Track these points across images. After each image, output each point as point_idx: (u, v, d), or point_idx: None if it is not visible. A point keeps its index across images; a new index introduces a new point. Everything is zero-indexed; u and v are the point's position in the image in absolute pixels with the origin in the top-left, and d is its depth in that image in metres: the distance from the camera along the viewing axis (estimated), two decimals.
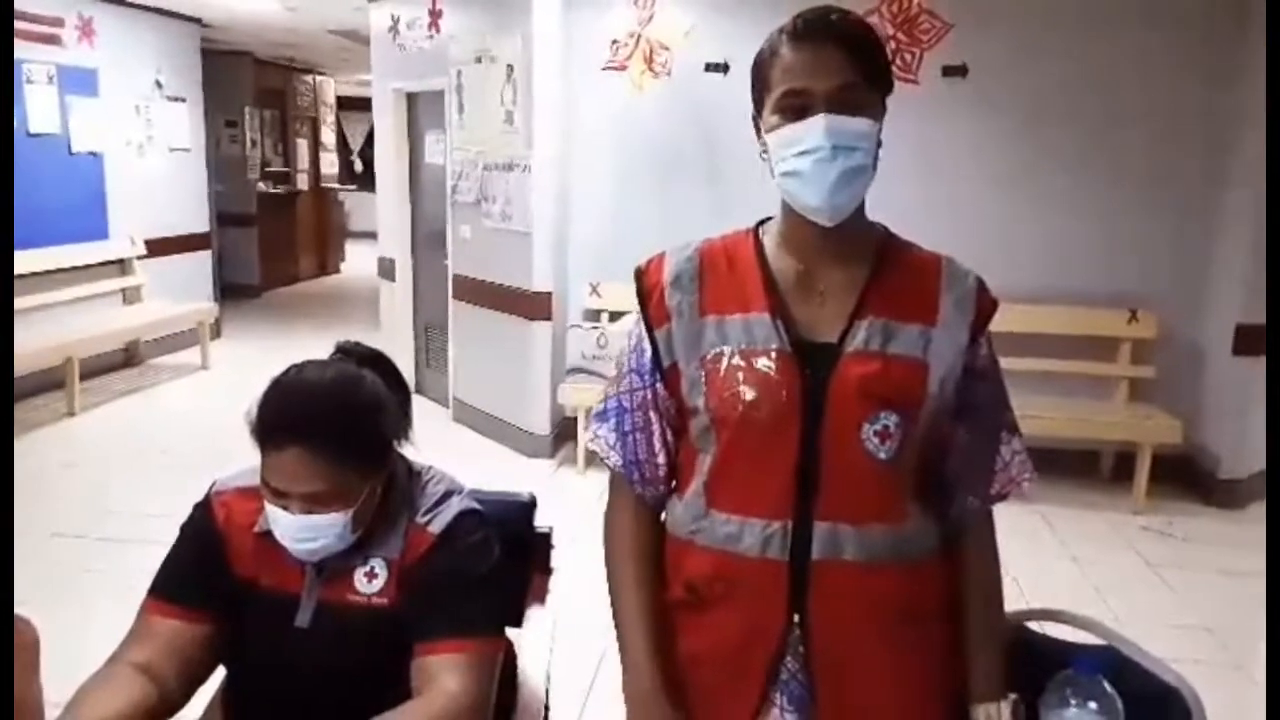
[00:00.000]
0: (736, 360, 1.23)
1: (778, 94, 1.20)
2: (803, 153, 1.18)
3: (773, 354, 1.22)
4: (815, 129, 1.17)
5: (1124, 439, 4.79)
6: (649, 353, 1.30)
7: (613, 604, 1.36)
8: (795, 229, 1.27)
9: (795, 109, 1.19)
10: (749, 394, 1.21)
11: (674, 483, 1.36)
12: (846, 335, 1.22)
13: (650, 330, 1.30)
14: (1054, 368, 4.75)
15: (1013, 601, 1.41)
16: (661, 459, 1.34)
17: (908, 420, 1.21)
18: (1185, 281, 4.83)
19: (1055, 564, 4.01)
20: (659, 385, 1.30)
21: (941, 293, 1.26)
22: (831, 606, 1.23)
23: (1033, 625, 1.51)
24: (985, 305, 1.28)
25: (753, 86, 1.26)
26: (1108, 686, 1.27)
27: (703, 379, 1.25)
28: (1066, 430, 4.60)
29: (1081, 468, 4.94)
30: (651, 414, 1.32)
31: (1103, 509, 4.64)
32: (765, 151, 1.25)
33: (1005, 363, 1.35)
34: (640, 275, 1.33)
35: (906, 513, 1.25)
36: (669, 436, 1.33)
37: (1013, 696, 1.30)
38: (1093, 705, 1.26)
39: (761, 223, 1.34)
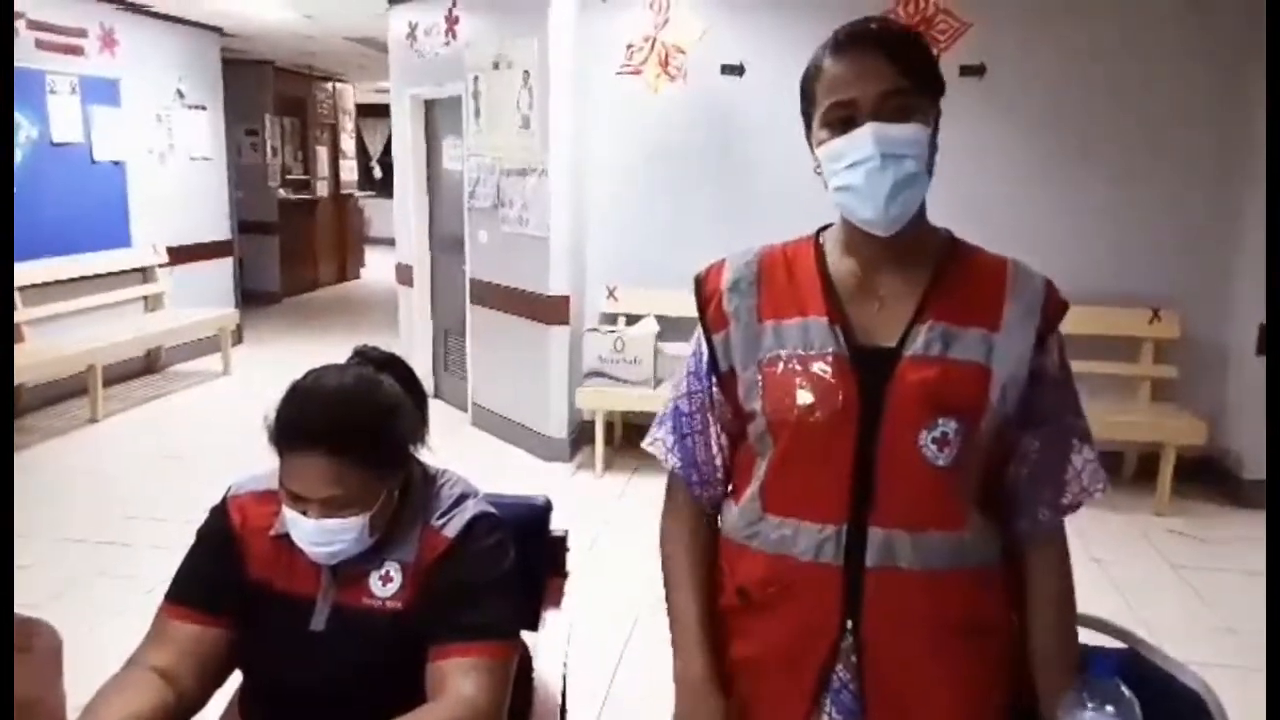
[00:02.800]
0: (794, 365, 1.23)
1: (824, 107, 1.20)
2: (853, 164, 1.17)
3: (829, 358, 1.21)
4: (863, 139, 1.16)
5: (1147, 440, 4.73)
6: (706, 357, 1.31)
7: (668, 601, 1.37)
8: (854, 236, 1.26)
9: (842, 121, 1.18)
10: (805, 398, 1.21)
11: (730, 487, 1.36)
12: (905, 340, 1.21)
13: (709, 335, 1.31)
14: (1075, 368, 4.67)
15: None
16: (718, 461, 1.34)
17: (968, 427, 1.19)
18: (1208, 281, 4.78)
19: (1077, 566, 3.87)
20: (715, 389, 1.31)
21: (1006, 297, 1.24)
22: (885, 615, 1.22)
23: None
24: (1054, 308, 1.26)
25: (801, 103, 1.26)
26: (1126, 690, 1.25)
27: (760, 383, 1.25)
28: None
29: (1104, 469, 4.88)
30: (709, 417, 1.33)
31: (1126, 510, 4.59)
32: (819, 167, 1.24)
33: (1068, 361, 1.33)
34: (700, 282, 1.34)
35: (967, 521, 1.23)
36: (724, 440, 1.34)
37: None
38: (1110, 709, 1.24)
39: (824, 229, 1.34)
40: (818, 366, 1.21)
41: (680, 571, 1.36)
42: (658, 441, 1.38)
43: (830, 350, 1.22)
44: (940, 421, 1.18)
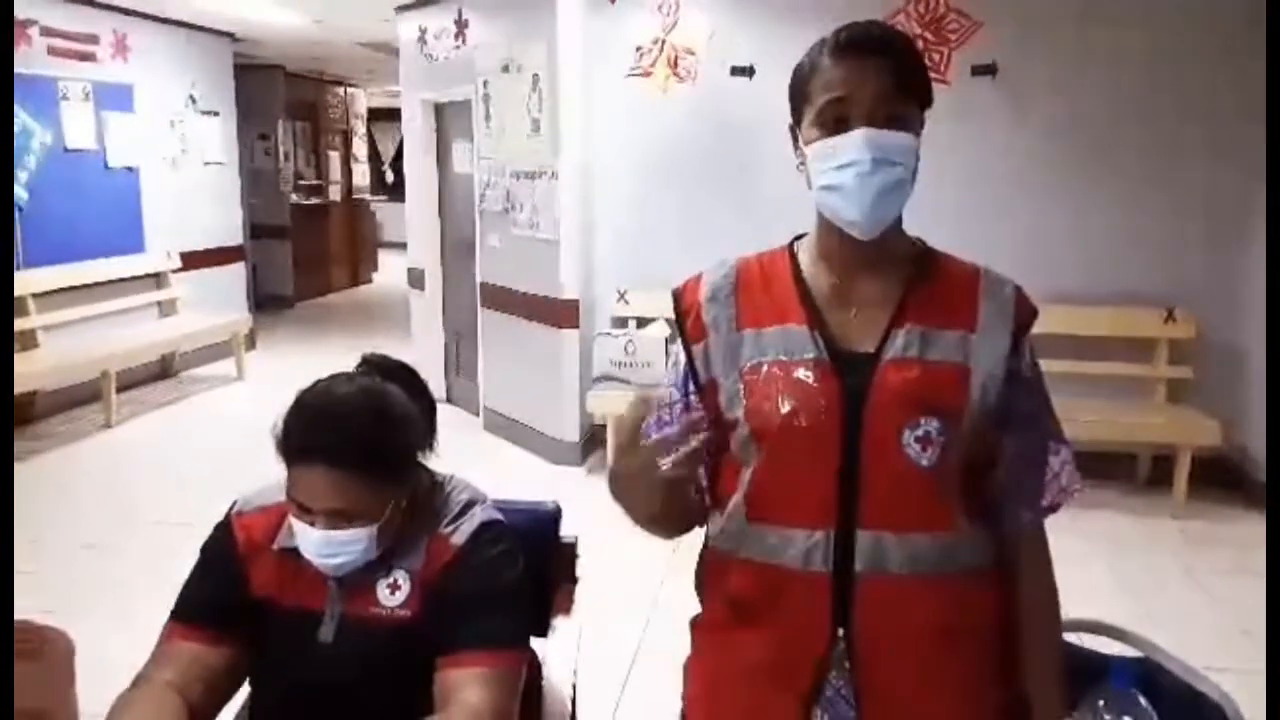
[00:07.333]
0: (775, 371, 1.23)
1: (818, 106, 1.21)
2: (842, 166, 1.18)
3: (810, 363, 1.22)
4: (855, 142, 1.17)
5: (1162, 441, 4.70)
6: (685, 369, 1.32)
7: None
8: (831, 242, 1.27)
9: (835, 122, 1.19)
10: (788, 404, 1.21)
11: (709, 499, 1.35)
12: (884, 344, 1.22)
13: (688, 347, 1.31)
14: (1090, 370, 4.67)
15: None
16: (699, 471, 1.33)
17: (949, 426, 1.20)
18: (1222, 280, 4.74)
19: (1092, 569, 3.93)
20: (695, 400, 1.31)
21: (980, 301, 1.25)
22: (877, 619, 1.21)
23: (1067, 636, 1.48)
24: (1025, 311, 1.27)
25: (791, 98, 1.27)
26: (1143, 700, 1.24)
27: (742, 391, 1.25)
28: (1103, 433, 4.52)
29: (1119, 471, 4.85)
30: None
31: (1140, 512, 4.56)
32: (803, 163, 1.25)
33: (1039, 365, 1.33)
34: (678, 296, 1.35)
35: (954, 523, 1.23)
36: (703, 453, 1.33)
37: (1075, 715, 1.28)
38: None
39: (797, 239, 1.35)
40: (800, 372, 1.22)
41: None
42: None
43: (811, 356, 1.22)
44: (922, 421, 1.19)
